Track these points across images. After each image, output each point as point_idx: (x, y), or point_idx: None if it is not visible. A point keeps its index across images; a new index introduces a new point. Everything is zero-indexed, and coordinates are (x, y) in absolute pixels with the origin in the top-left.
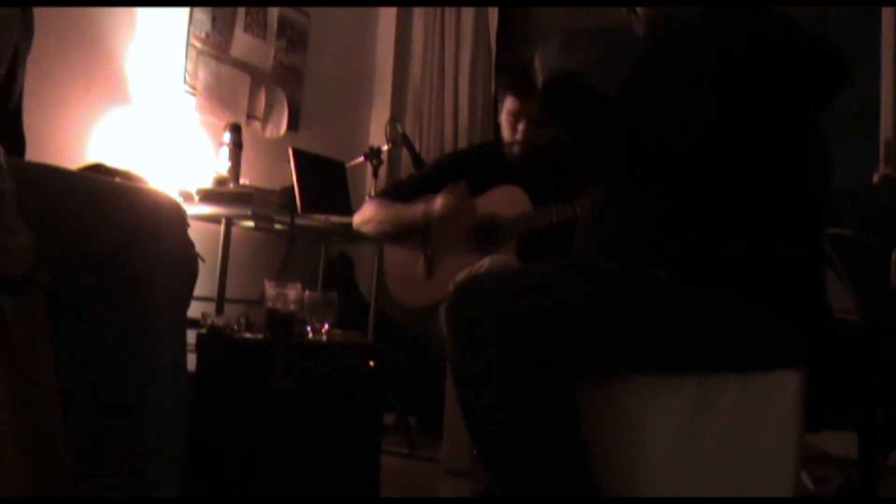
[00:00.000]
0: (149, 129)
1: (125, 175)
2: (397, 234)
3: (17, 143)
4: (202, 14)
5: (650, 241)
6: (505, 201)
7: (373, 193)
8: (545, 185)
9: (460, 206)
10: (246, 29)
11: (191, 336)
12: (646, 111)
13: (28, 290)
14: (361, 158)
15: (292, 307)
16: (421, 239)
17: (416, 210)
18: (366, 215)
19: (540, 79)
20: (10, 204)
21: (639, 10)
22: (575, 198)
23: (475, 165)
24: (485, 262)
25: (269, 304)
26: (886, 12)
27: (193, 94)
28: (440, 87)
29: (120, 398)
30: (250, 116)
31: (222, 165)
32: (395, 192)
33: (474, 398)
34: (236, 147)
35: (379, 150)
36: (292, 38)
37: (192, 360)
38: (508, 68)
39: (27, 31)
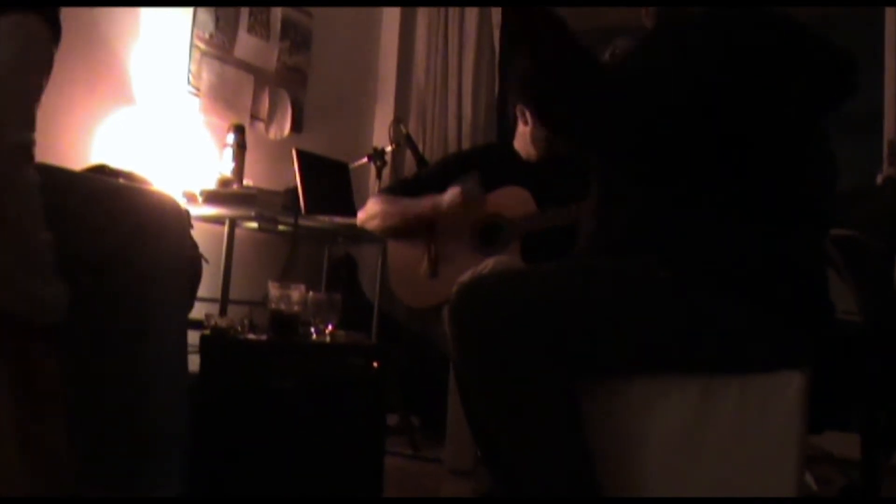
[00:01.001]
0: (152, 129)
1: (129, 176)
2: (403, 230)
3: None
4: (205, 15)
5: (652, 241)
6: (510, 202)
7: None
8: (551, 187)
9: (471, 197)
10: (249, 30)
11: (194, 337)
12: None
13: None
14: (365, 159)
15: (296, 308)
16: (426, 236)
17: (424, 204)
18: (371, 211)
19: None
20: (50, 255)
21: (650, 9)
22: (580, 201)
23: (482, 165)
24: (489, 263)
25: (273, 305)
26: (889, 12)
27: (197, 95)
28: (444, 88)
29: (122, 398)
30: (254, 117)
31: (226, 166)
32: (400, 189)
33: (477, 399)
34: (240, 148)
35: (382, 151)
36: (296, 38)
37: (195, 361)
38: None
39: None
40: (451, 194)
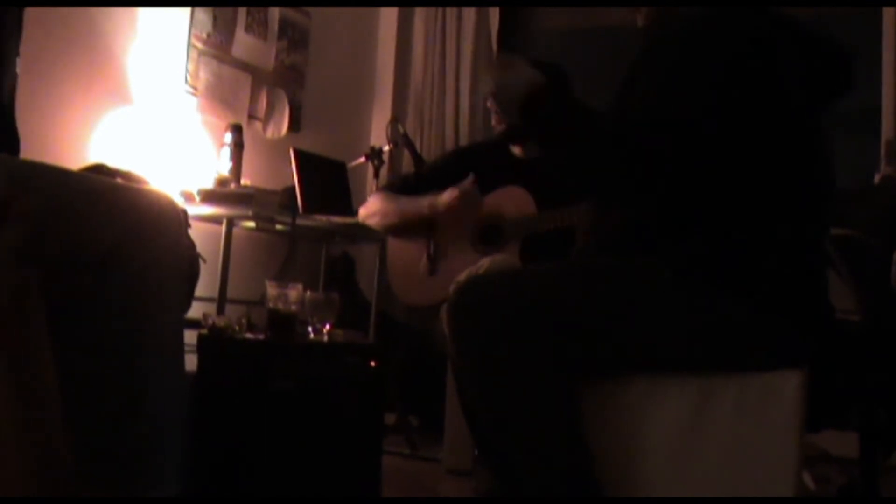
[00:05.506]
0: (150, 129)
1: (126, 175)
2: (402, 228)
3: (9, 138)
4: (203, 14)
5: (653, 242)
6: (510, 202)
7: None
8: (551, 185)
9: (467, 199)
10: (247, 29)
11: (192, 336)
12: (638, 115)
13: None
14: (363, 159)
15: (293, 307)
16: (425, 235)
17: (423, 203)
18: (371, 208)
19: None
20: None
21: (643, 8)
22: (580, 201)
23: (482, 162)
24: (485, 263)
25: (271, 305)
26: (887, 12)
27: (195, 95)
28: (441, 88)
29: (120, 398)
30: (251, 117)
31: (223, 166)
32: (401, 186)
33: (475, 398)
34: (237, 147)
35: (380, 151)
36: (293, 38)
37: (193, 361)
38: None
39: (17, 22)
40: (448, 194)
